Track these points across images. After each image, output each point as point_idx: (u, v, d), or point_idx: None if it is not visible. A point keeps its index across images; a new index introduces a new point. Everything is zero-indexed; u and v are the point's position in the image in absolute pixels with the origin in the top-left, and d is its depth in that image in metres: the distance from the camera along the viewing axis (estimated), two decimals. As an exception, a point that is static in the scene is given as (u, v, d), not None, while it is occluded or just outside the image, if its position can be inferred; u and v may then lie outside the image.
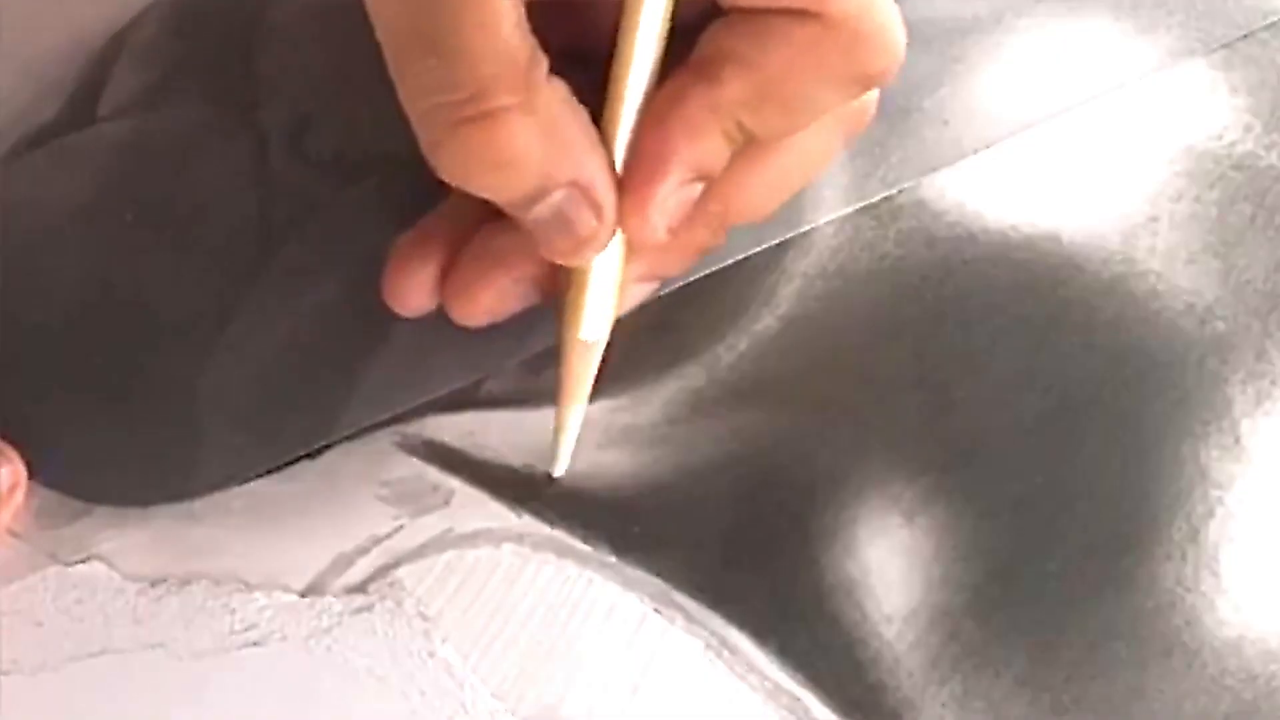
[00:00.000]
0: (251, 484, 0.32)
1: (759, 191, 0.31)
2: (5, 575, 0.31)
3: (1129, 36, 0.38)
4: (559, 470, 0.32)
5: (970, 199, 0.35)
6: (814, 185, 0.35)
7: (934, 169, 0.36)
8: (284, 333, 0.34)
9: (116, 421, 0.33)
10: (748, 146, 0.29)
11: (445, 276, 0.31)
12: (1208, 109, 0.37)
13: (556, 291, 0.31)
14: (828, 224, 0.35)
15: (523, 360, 0.33)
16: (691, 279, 0.34)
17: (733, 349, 0.34)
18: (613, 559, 0.31)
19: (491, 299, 0.31)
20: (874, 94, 0.31)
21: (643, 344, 0.33)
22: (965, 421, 0.32)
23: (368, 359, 0.33)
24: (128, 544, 0.32)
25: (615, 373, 0.33)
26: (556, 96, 0.27)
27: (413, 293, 0.31)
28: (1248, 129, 0.37)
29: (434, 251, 0.31)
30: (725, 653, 0.30)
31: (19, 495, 0.31)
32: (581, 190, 0.27)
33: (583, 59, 0.28)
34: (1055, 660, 0.30)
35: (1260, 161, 0.36)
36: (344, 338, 0.34)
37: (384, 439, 0.33)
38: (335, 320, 0.34)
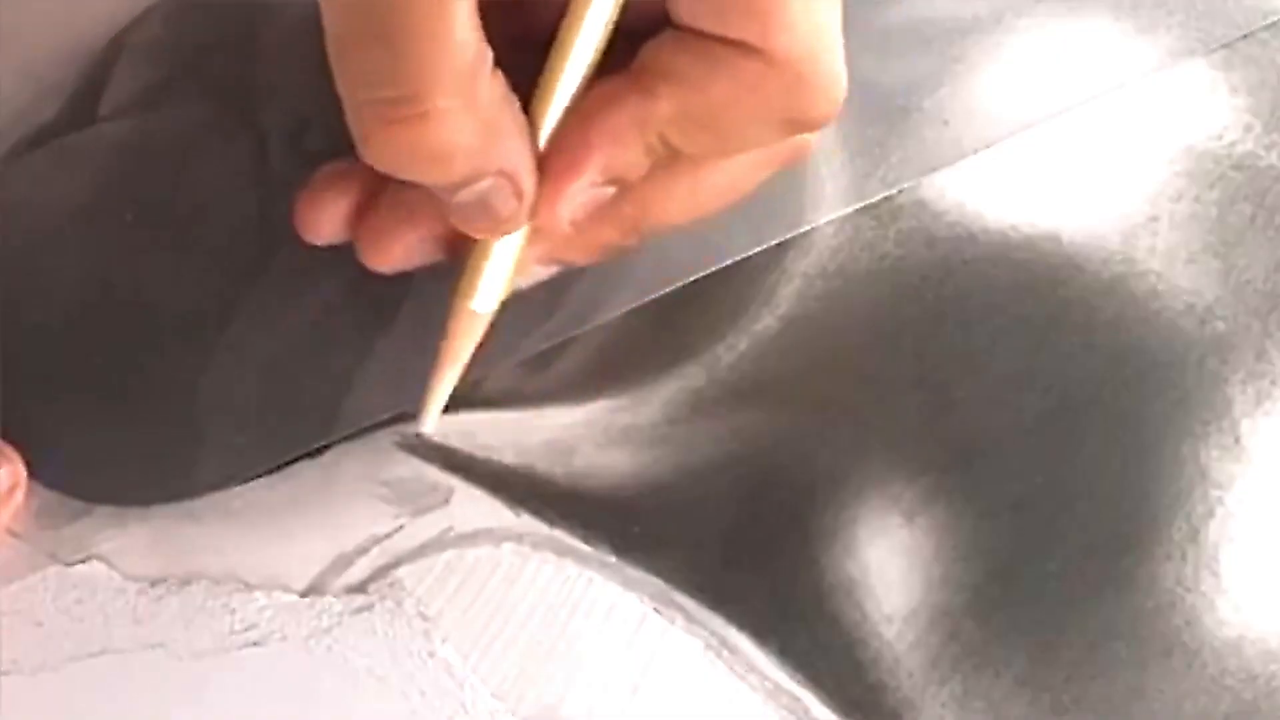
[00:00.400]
0: (251, 484, 0.32)
1: (678, 203, 0.30)
2: (5, 575, 0.31)
3: (1129, 36, 0.38)
4: (427, 427, 0.32)
5: (970, 199, 0.35)
6: (814, 184, 0.35)
7: (934, 169, 0.36)
8: (284, 333, 0.34)
9: (116, 421, 0.33)
10: (672, 159, 0.29)
11: (360, 217, 0.31)
12: (1208, 109, 0.37)
13: (458, 253, 0.31)
14: (828, 224, 0.35)
15: (522, 360, 0.33)
16: (692, 279, 0.34)
17: (733, 349, 0.34)
18: (613, 559, 0.31)
19: (400, 252, 0.31)
20: (812, 135, 0.31)
21: (643, 344, 0.33)
22: (965, 421, 0.32)
23: (368, 359, 0.33)
24: (128, 544, 0.32)
25: (615, 373, 0.33)
26: (496, 93, 0.27)
27: (325, 223, 0.31)
28: (1248, 129, 0.37)
29: (351, 187, 0.31)
30: (725, 653, 0.30)
31: (19, 495, 0.31)
32: (508, 178, 0.27)
33: (526, 45, 0.28)
34: (1055, 660, 0.30)
35: (1260, 161, 0.36)
36: (344, 338, 0.34)
37: (384, 439, 0.33)
38: (335, 320, 0.34)
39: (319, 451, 0.33)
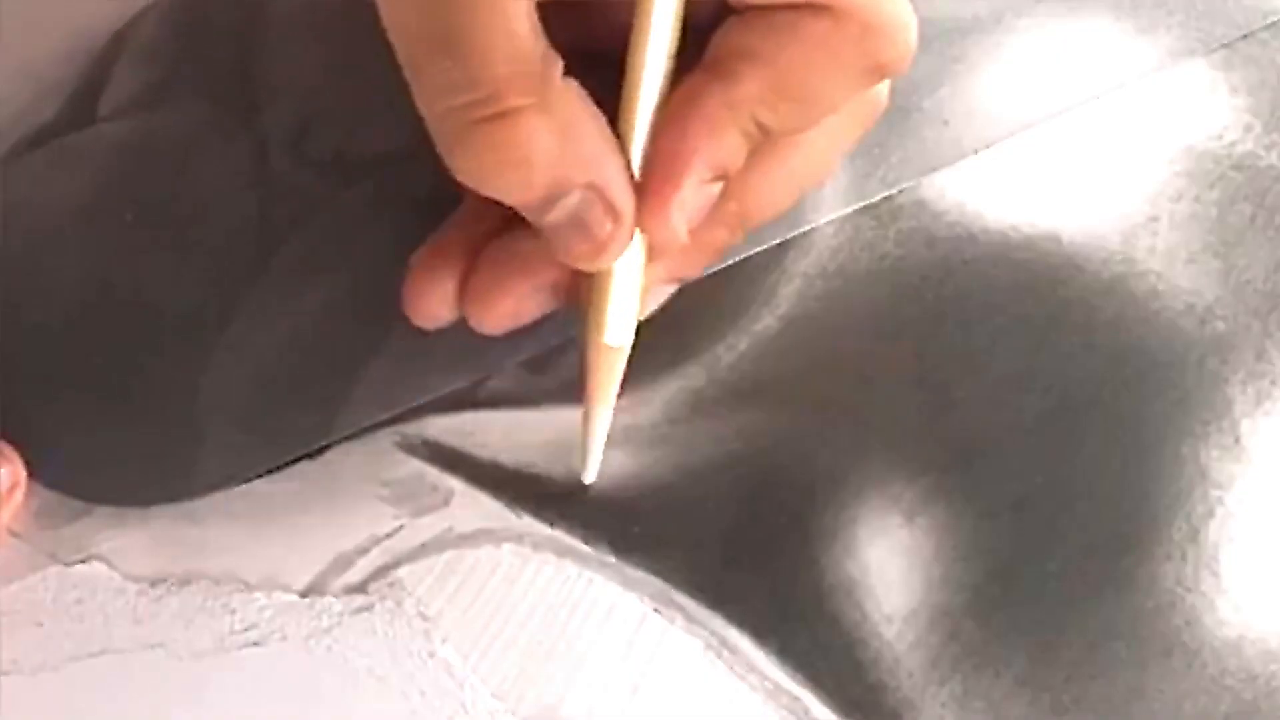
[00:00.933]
0: (251, 484, 0.32)
1: (776, 188, 0.31)
2: (5, 575, 0.31)
3: (1129, 36, 0.38)
4: (589, 477, 0.32)
5: (970, 199, 0.35)
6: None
7: (934, 169, 0.36)
8: (284, 333, 0.34)
9: (116, 421, 0.33)
10: (763, 144, 0.29)
11: (463, 285, 0.31)
12: (1208, 109, 0.37)
13: (576, 296, 0.30)
14: (828, 224, 0.35)
15: (523, 360, 0.33)
16: (694, 279, 0.34)
17: (733, 349, 0.34)
18: (613, 559, 0.31)
19: (511, 306, 0.31)
20: (885, 86, 0.31)
21: (643, 344, 0.32)
22: (965, 421, 0.32)
23: (368, 359, 0.33)
24: (128, 544, 0.32)
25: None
26: (572, 97, 0.27)
27: (434, 305, 0.31)
28: (1248, 129, 0.37)
29: (452, 262, 0.31)
30: (725, 653, 0.30)
31: (19, 495, 0.31)
32: (597, 193, 0.27)
33: (597, 60, 0.28)
34: (1055, 660, 0.30)
35: (1260, 161, 0.36)
36: (344, 338, 0.34)
37: (384, 439, 0.33)
38: (335, 320, 0.34)
39: (319, 451, 0.33)
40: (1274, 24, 0.39)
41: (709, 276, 0.34)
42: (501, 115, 0.26)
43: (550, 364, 0.33)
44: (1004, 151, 0.36)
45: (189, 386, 0.33)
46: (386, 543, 0.31)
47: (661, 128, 0.28)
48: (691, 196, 0.28)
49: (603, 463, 0.32)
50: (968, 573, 0.31)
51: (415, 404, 0.33)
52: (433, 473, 0.32)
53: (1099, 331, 0.34)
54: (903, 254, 0.35)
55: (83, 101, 0.37)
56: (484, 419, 0.33)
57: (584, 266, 0.29)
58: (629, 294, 0.29)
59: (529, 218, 0.28)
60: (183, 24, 0.39)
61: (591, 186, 0.27)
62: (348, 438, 0.33)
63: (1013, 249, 0.35)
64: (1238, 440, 0.32)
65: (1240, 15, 0.39)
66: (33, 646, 0.30)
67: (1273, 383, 0.33)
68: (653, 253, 0.29)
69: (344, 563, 0.31)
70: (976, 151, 0.36)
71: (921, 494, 0.32)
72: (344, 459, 0.33)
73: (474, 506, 0.32)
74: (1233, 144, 0.37)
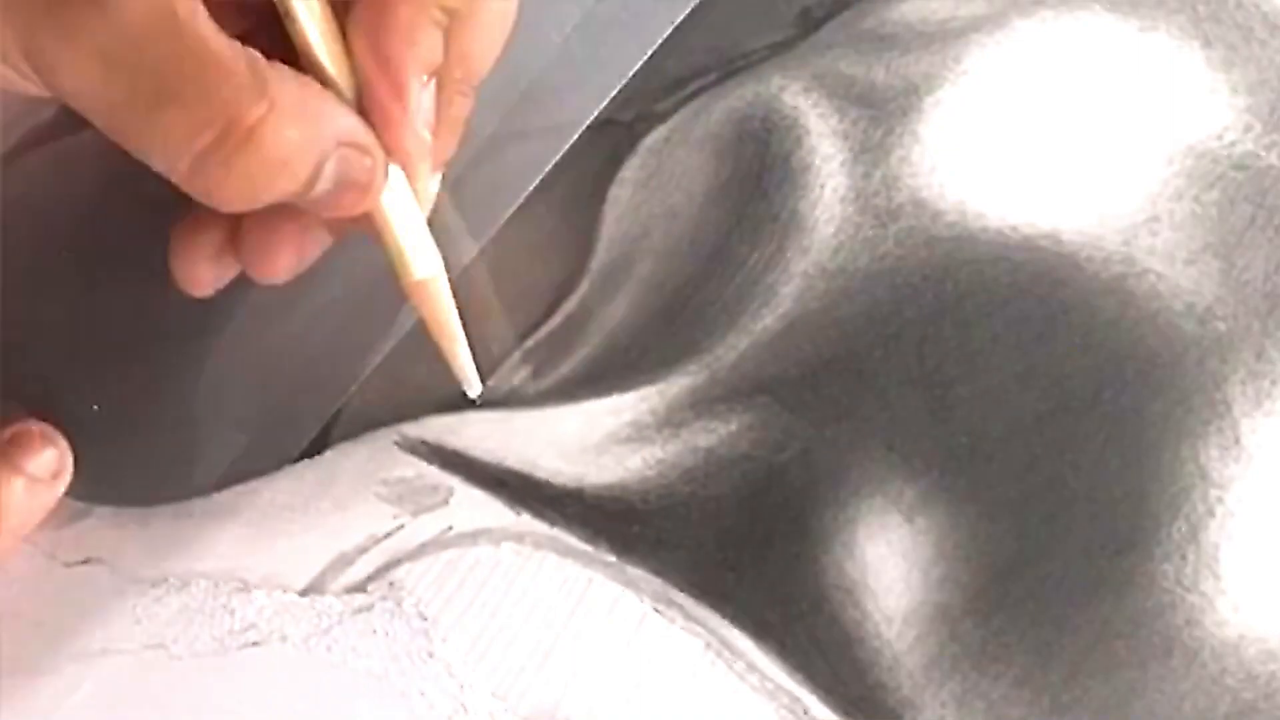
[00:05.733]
0: (251, 484, 0.32)
1: (483, 39, 0.31)
2: (5, 575, 0.31)
3: (1129, 36, 0.38)
4: (474, 392, 0.32)
5: (970, 199, 0.35)
6: (814, 184, 0.35)
7: (933, 168, 0.36)
8: (284, 333, 0.34)
9: (116, 422, 0.33)
10: (456, 18, 0.29)
11: (236, 245, 0.31)
12: (1208, 109, 0.37)
13: (345, 227, 0.31)
14: (828, 224, 0.35)
15: (523, 360, 0.33)
16: (692, 277, 0.34)
17: (733, 349, 0.34)
18: (613, 558, 0.31)
19: (290, 253, 0.31)
20: None
21: (643, 344, 0.33)
22: (965, 421, 0.32)
23: (368, 358, 0.33)
24: (128, 544, 0.32)
25: (615, 373, 0.33)
26: (285, 77, 0.27)
27: (203, 271, 0.31)
28: (1248, 129, 0.37)
29: (213, 226, 0.31)
30: (725, 653, 0.30)
31: (65, 481, 0.31)
32: (346, 145, 0.27)
33: (257, 31, 0.28)
34: (1055, 660, 0.30)
35: (1260, 161, 0.36)
36: (344, 337, 0.34)
37: (384, 439, 0.33)
38: (335, 320, 0.34)
39: (319, 451, 0.33)
40: (1274, 24, 0.39)
41: (709, 277, 0.34)
42: (248, 135, 0.26)
43: (550, 364, 0.34)
44: (1004, 151, 0.36)
45: (189, 386, 0.33)
46: (386, 542, 0.31)
47: (365, 53, 0.28)
48: (419, 102, 0.28)
49: (603, 463, 0.32)
50: (968, 573, 0.31)
51: (415, 403, 0.33)
52: (432, 472, 0.32)
53: (1099, 331, 0.34)
54: (903, 254, 0.35)
55: (83, 101, 0.37)
56: (484, 419, 0.33)
57: (359, 211, 0.29)
58: (413, 223, 0.29)
59: (298, 203, 0.28)
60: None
61: (342, 143, 0.27)
62: (348, 438, 0.33)
63: (1013, 249, 0.35)
64: (1238, 440, 0.32)
65: (1240, 15, 0.39)
66: (33, 646, 0.30)
67: (1273, 383, 0.33)
68: (409, 167, 0.29)
69: (344, 562, 0.31)
70: (973, 149, 0.36)
71: (921, 494, 0.32)
72: (344, 459, 0.33)
73: (474, 506, 0.32)
74: (1233, 144, 0.37)
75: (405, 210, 0.29)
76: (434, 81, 0.29)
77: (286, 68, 0.27)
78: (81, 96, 0.26)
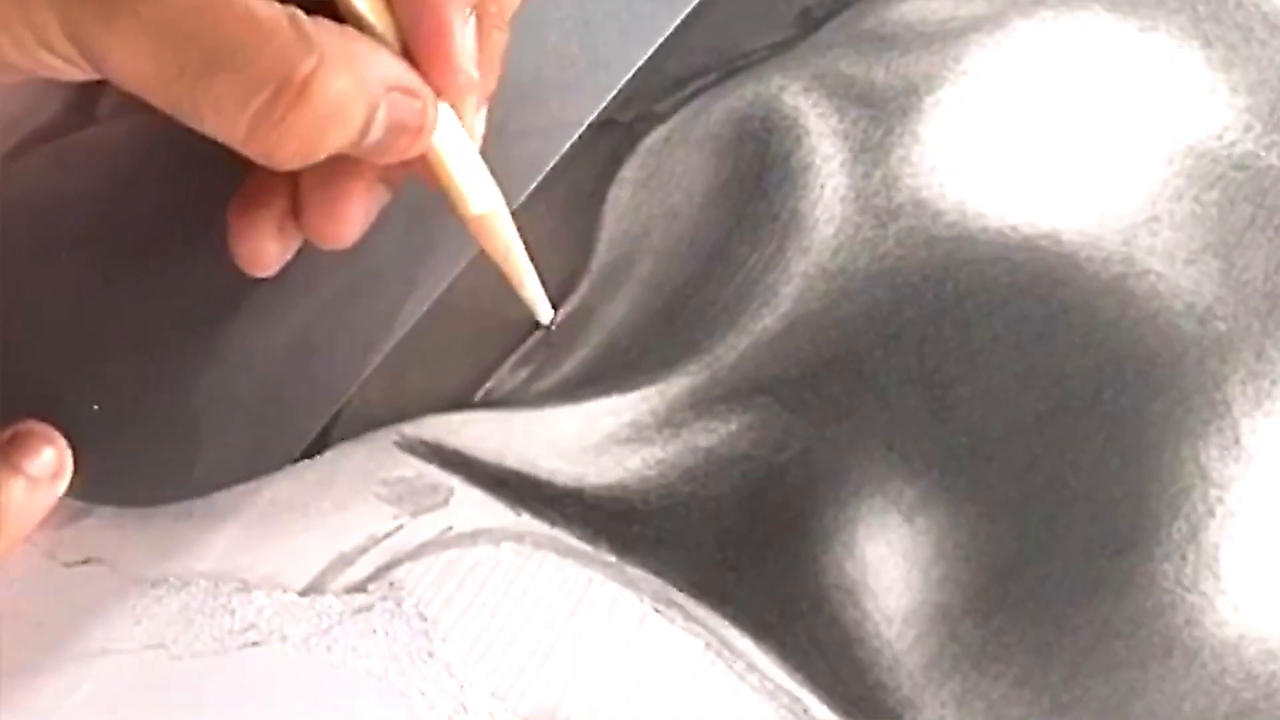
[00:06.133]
0: (251, 484, 0.32)
1: None
2: (5, 575, 0.31)
3: (1129, 36, 0.38)
4: (546, 318, 0.33)
5: (970, 199, 0.35)
6: (813, 184, 0.35)
7: (933, 168, 0.36)
8: (284, 333, 0.34)
9: (116, 421, 0.33)
10: None
11: (297, 215, 0.31)
12: (1208, 109, 0.37)
13: (401, 177, 0.31)
14: (828, 224, 0.35)
15: (523, 360, 0.33)
16: (692, 277, 0.34)
17: (733, 349, 0.34)
18: (613, 558, 0.31)
19: (353, 213, 0.31)
20: None
21: (644, 344, 0.33)
22: (965, 421, 0.32)
23: (368, 358, 0.33)
24: (128, 544, 0.32)
25: (616, 373, 0.33)
26: (327, 28, 0.27)
27: (267, 245, 0.31)
28: (1248, 129, 0.37)
29: (269, 198, 0.31)
30: (725, 653, 0.30)
31: (62, 484, 0.31)
32: (395, 90, 0.28)
33: None
34: (1055, 660, 0.30)
35: (1260, 161, 0.36)
36: (344, 337, 0.34)
37: (384, 439, 0.33)
38: (335, 320, 0.34)
39: (319, 451, 0.33)
40: (1274, 24, 0.39)
41: (709, 277, 0.34)
42: (300, 90, 0.26)
43: (551, 364, 0.34)
44: (1004, 151, 0.36)
45: (189, 386, 0.33)
46: (386, 542, 0.31)
47: None
48: (463, 39, 0.29)
49: (603, 463, 0.32)
50: (968, 573, 0.31)
51: (415, 403, 0.33)
52: (432, 472, 0.32)
53: (1099, 331, 0.34)
54: (903, 254, 0.35)
55: (83, 101, 0.37)
56: (484, 419, 0.33)
57: (413, 154, 0.29)
58: (469, 159, 0.30)
59: (352, 153, 0.28)
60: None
61: (390, 89, 0.28)
62: (348, 438, 0.33)
63: (1013, 249, 0.35)
64: (1238, 440, 0.32)
65: (1240, 15, 0.39)
66: (33, 646, 0.30)
67: (1273, 383, 0.33)
68: (458, 105, 0.30)
69: (344, 562, 0.31)
70: (973, 149, 0.36)
71: (921, 494, 0.32)
72: (344, 459, 0.33)
73: (473, 506, 0.32)
74: (1233, 144, 0.37)
75: (459, 148, 0.30)
76: (474, 17, 0.29)
77: (327, 20, 0.27)
78: (131, 74, 0.26)
